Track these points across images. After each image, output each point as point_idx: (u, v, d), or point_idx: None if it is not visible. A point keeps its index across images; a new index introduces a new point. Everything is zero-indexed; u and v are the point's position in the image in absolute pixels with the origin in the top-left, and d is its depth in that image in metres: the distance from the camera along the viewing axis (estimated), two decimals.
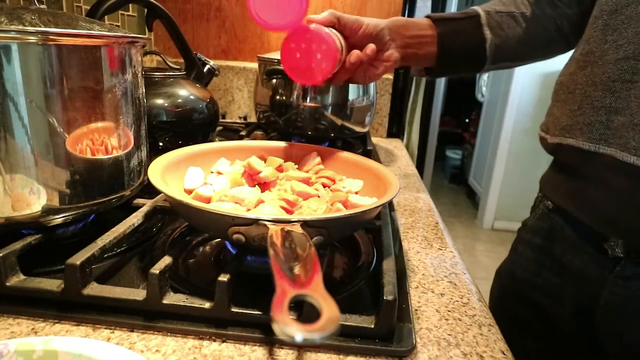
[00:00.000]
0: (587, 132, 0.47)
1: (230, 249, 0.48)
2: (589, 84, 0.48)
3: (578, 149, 0.48)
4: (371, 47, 0.56)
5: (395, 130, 1.30)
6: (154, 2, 0.70)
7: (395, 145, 1.19)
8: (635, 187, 0.43)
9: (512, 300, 0.64)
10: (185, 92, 0.73)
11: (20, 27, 0.37)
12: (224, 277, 0.36)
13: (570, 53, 0.57)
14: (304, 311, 0.35)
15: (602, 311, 0.50)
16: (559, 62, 0.60)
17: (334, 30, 0.56)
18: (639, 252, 0.46)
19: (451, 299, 0.44)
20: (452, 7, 2.29)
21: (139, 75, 0.50)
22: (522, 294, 0.61)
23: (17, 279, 0.38)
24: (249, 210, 0.44)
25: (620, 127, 0.43)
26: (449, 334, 0.38)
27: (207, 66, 0.83)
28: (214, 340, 0.35)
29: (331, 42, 0.51)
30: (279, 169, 0.55)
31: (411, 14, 1.24)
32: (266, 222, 0.35)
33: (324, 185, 0.52)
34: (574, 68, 0.52)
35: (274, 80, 0.89)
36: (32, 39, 0.38)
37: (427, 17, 0.64)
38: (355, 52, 0.55)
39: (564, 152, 0.52)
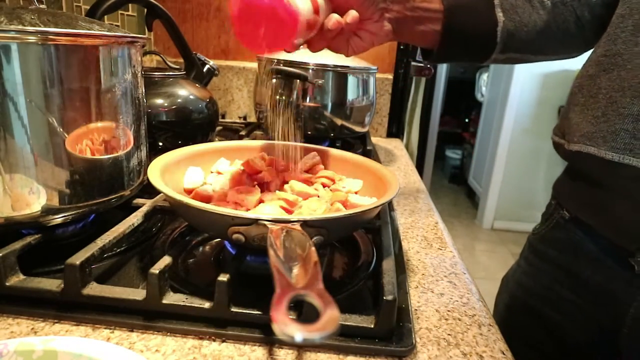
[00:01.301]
0: (611, 140, 0.43)
1: (230, 249, 0.48)
2: (615, 89, 0.44)
3: (600, 159, 0.44)
4: (352, 14, 0.48)
5: (395, 130, 1.30)
6: (154, 2, 0.70)
7: (395, 145, 1.19)
8: None
9: (521, 313, 0.60)
10: (185, 92, 0.73)
11: (20, 27, 0.37)
12: (223, 277, 0.36)
13: (586, 54, 0.54)
14: (304, 311, 0.35)
15: (629, 331, 0.47)
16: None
17: None
18: None
19: (451, 298, 0.44)
20: None
21: (139, 75, 0.50)
22: (531, 307, 0.58)
23: (16, 279, 0.38)
24: (248, 210, 0.44)
25: None
26: (449, 334, 0.38)
27: (207, 66, 0.83)
28: (214, 340, 0.35)
29: (287, 6, 0.41)
30: (279, 169, 0.55)
31: None
32: (266, 222, 0.35)
33: (324, 185, 0.52)
34: (595, 70, 0.48)
35: (274, 80, 0.89)
36: (32, 38, 0.37)
37: None
38: (335, 17, 0.47)
39: (584, 160, 0.48)
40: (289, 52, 0.45)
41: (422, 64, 1.33)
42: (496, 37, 0.54)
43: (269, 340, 0.35)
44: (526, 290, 0.59)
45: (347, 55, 0.55)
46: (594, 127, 0.46)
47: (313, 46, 0.51)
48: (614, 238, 0.47)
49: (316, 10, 0.46)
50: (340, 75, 0.88)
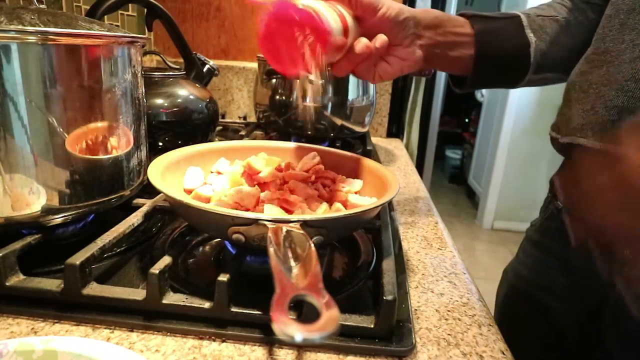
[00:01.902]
0: (598, 131, 0.46)
1: (230, 249, 0.48)
2: (603, 84, 0.47)
3: (590, 149, 0.47)
4: (382, 39, 0.47)
5: (395, 130, 1.30)
6: (154, 2, 0.70)
7: (395, 145, 1.19)
8: None
9: (519, 300, 0.63)
10: (185, 92, 0.73)
11: (20, 27, 0.37)
12: (223, 277, 0.36)
13: None
14: (304, 311, 0.35)
15: (611, 311, 0.49)
16: None
17: (338, 7, 0.44)
18: None
19: (451, 298, 0.44)
20: (452, 7, 2.29)
21: (139, 75, 0.50)
22: (528, 294, 0.61)
23: (16, 279, 0.38)
24: (248, 210, 0.44)
25: None
26: (449, 334, 0.38)
27: (207, 66, 0.83)
28: (214, 340, 0.35)
29: (319, 23, 0.39)
30: (279, 169, 0.55)
31: None
32: (266, 222, 0.35)
33: (324, 185, 0.52)
34: (587, 67, 0.50)
35: (274, 80, 0.89)
36: (32, 38, 0.37)
37: (461, 14, 0.55)
38: (364, 41, 0.46)
39: (575, 152, 0.51)
40: (313, 73, 0.43)
41: None
42: (529, 58, 0.54)
43: (269, 340, 0.35)
44: (523, 279, 0.62)
45: (372, 82, 0.53)
46: (584, 119, 0.48)
47: (338, 69, 0.50)
48: (600, 224, 0.48)
49: (345, 32, 0.44)
50: None
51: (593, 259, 0.50)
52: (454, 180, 4.11)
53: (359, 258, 0.49)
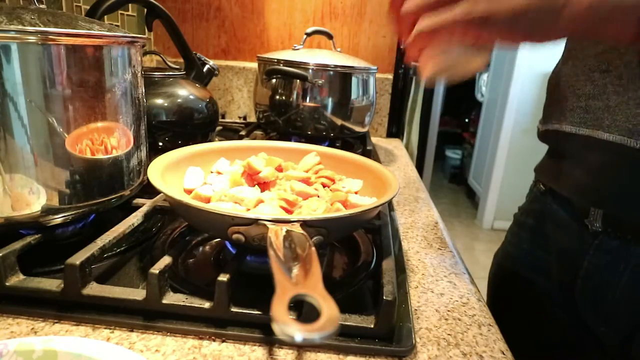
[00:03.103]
0: (569, 117, 0.52)
1: (230, 249, 0.48)
2: (571, 75, 0.53)
3: (562, 132, 0.53)
4: None
5: (395, 130, 1.30)
6: (154, 2, 0.70)
7: (395, 145, 1.19)
8: (606, 160, 0.48)
9: (507, 278, 0.67)
10: (185, 92, 0.73)
11: (20, 27, 0.37)
12: (223, 277, 0.36)
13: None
14: (304, 311, 0.35)
15: (582, 282, 0.53)
16: (555, 63, 0.60)
17: None
18: (614, 225, 0.49)
19: (451, 298, 0.44)
20: None
21: (139, 75, 0.50)
22: (516, 272, 0.65)
23: (16, 279, 0.38)
24: (248, 210, 0.44)
25: (597, 110, 0.49)
26: (449, 334, 0.38)
27: (207, 66, 0.83)
28: (214, 340, 0.35)
29: None
30: (279, 169, 0.55)
31: None
32: (266, 222, 0.35)
33: (324, 185, 0.52)
34: (560, 64, 0.56)
35: (274, 80, 0.89)
36: (32, 38, 0.37)
37: None
38: None
39: (551, 137, 0.58)
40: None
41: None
42: None
43: (269, 340, 0.35)
44: (510, 257, 0.67)
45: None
46: (557, 107, 0.55)
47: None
48: (572, 197, 0.54)
49: None
50: (340, 75, 0.88)
51: (570, 235, 0.55)
52: (454, 180, 4.11)
53: (359, 258, 0.49)
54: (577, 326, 0.56)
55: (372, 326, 0.35)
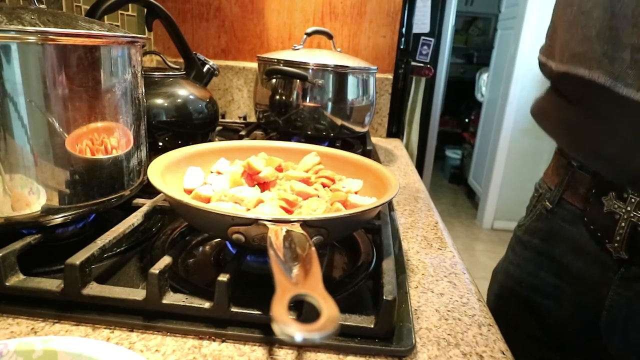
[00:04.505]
0: (606, 65, 0.40)
1: (230, 249, 0.48)
2: (606, 11, 0.39)
3: (589, 81, 0.41)
4: None
5: (395, 130, 1.30)
6: (154, 2, 0.70)
7: (395, 145, 1.19)
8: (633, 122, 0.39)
9: (510, 300, 0.63)
10: (185, 92, 0.73)
11: (20, 26, 0.37)
12: (223, 277, 0.36)
13: None
14: (304, 311, 0.35)
15: (608, 313, 0.49)
16: None
17: None
18: None
19: (451, 298, 0.44)
20: (452, 7, 2.29)
21: (139, 75, 0.50)
22: (519, 294, 0.61)
23: (16, 279, 0.38)
24: (248, 210, 0.44)
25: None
26: (449, 334, 0.38)
27: (207, 66, 0.83)
28: (214, 340, 0.35)
29: None
30: (279, 169, 0.55)
31: (411, 14, 1.24)
32: (266, 222, 0.35)
33: (324, 185, 0.52)
34: None
35: (274, 80, 0.89)
36: (32, 38, 0.37)
37: None
38: None
39: (569, 82, 0.45)
40: None
41: (422, 64, 1.34)
42: None
43: (269, 340, 0.35)
44: (513, 278, 0.62)
45: None
46: (586, 47, 0.42)
47: None
48: (585, 160, 0.46)
49: None
50: (340, 75, 0.88)
51: (586, 259, 0.50)
52: (454, 180, 4.11)
53: (359, 258, 0.49)
54: (594, 354, 0.52)
55: (372, 326, 0.35)
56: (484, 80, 3.63)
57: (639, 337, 0.47)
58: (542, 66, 0.50)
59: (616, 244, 0.46)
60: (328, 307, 0.25)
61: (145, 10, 0.71)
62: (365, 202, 0.47)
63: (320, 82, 0.86)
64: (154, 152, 0.55)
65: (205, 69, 0.82)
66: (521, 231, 0.62)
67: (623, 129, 0.41)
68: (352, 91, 0.90)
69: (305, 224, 0.36)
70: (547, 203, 0.56)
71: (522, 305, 0.60)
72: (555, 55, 0.46)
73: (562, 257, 0.54)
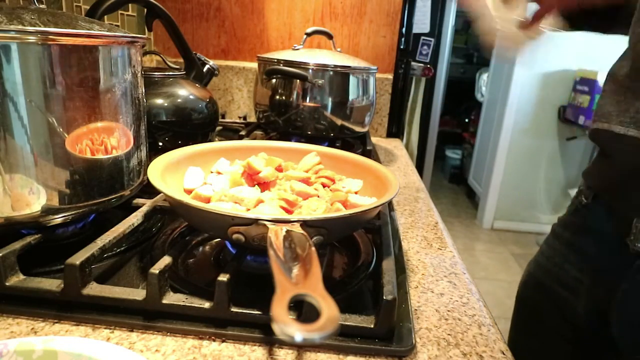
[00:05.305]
0: (620, 116, 0.49)
1: (230, 249, 0.48)
2: (627, 74, 0.49)
3: (610, 132, 0.50)
4: None
5: (395, 130, 1.30)
6: (154, 2, 0.70)
7: (395, 145, 1.19)
8: None
9: (535, 290, 0.66)
10: (185, 92, 0.73)
11: (20, 26, 0.37)
12: (223, 277, 0.36)
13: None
14: (304, 311, 0.35)
15: (619, 304, 0.51)
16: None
17: None
18: None
19: (451, 298, 0.44)
20: (452, 7, 2.29)
21: (139, 75, 0.50)
22: (543, 284, 0.63)
23: (16, 279, 0.38)
24: (248, 210, 0.44)
25: None
26: (449, 334, 0.38)
27: (207, 66, 0.83)
28: (214, 340, 0.35)
29: None
30: (279, 169, 0.55)
31: (411, 14, 1.24)
32: (266, 222, 0.35)
33: (324, 185, 0.52)
34: (618, 62, 0.53)
35: (274, 80, 0.89)
36: (32, 38, 0.37)
37: None
38: None
39: (601, 136, 0.53)
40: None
41: (422, 64, 1.34)
42: None
43: (269, 340, 0.35)
44: (542, 268, 0.65)
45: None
46: (613, 107, 0.51)
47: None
48: (617, 203, 0.51)
49: None
50: (340, 75, 0.88)
51: (607, 253, 0.52)
52: (454, 180, 4.10)
53: (359, 258, 0.49)
54: (602, 345, 0.54)
55: (372, 326, 0.35)
56: (484, 80, 3.63)
57: None
58: (588, 131, 0.58)
59: (632, 237, 0.49)
60: (328, 307, 0.25)
61: (145, 10, 0.71)
62: (365, 202, 0.47)
63: (320, 82, 0.86)
64: (154, 152, 0.55)
65: (205, 69, 0.82)
66: (558, 225, 0.65)
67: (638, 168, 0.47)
68: (352, 91, 0.90)
69: (305, 224, 0.36)
70: (583, 198, 0.59)
71: (544, 295, 0.63)
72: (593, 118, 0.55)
73: (587, 249, 0.56)
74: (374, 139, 1.23)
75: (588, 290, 0.55)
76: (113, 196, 0.48)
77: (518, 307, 0.69)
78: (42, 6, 0.46)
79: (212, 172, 0.55)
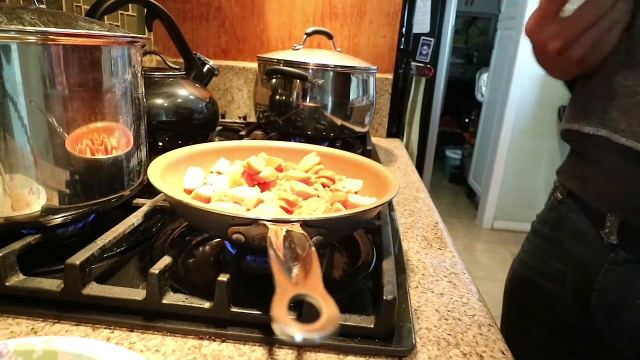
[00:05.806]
0: (588, 116, 0.51)
1: (230, 249, 0.48)
2: (595, 76, 0.51)
3: (581, 133, 0.52)
4: None
5: (395, 130, 1.30)
6: (154, 2, 0.70)
7: (395, 145, 1.19)
8: (622, 165, 0.48)
9: (522, 286, 0.67)
10: (185, 92, 0.73)
11: (20, 26, 0.37)
12: (223, 277, 0.36)
13: None
14: (304, 311, 0.35)
15: (597, 294, 0.52)
16: None
17: None
18: (630, 238, 0.49)
19: (451, 298, 0.44)
20: (452, 7, 2.30)
21: (139, 75, 0.50)
22: (530, 280, 0.64)
23: (16, 279, 0.38)
24: (248, 210, 0.44)
25: (614, 111, 0.48)
26: (449, 334, 0.38)
27: (207, 66, 0.83)
28: (214, 340, 0.35)
29: None
30: (279, 169, 0.55)
31: (411, 14, 1.24)
32: (266, 222, 0.35)
33: (324, 185, 0.52)
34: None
35: (274, 80, 0.89)
36: (32, 38, 0.37)
37: None
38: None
39: (569, 137, 0.56)
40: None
41: (422, 64, 1.34)
42: None
43: (269, 340, 0.35)
44: (526, 265, 0.66)
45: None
46: (578, 107, 0.54)
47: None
48: (593, 204, 0.53)
49: None
50: (340, 75, 0.88)
51: (585, 246, 0.54)
52: (454, 180, 4.11)
53: (359, 258, 0.49)
54: (592, 337, 0.55)
55: (372, 326, 0.35)
56: (484, 80, 3.63)
57: (625, 321, 0.50)
58: (560, 131, 0.59)
59: (607, 230, 0.50)
60: (328, 307, 0.25)
61: (145, 10, 0.71)
62: (365, 202, 0.47)
63: (320, 82, 0.86)
64: (154, 152, 0.55)
65: (205, 69, 0.82)
66: (536, 222, 0.67)
67: (609, 167, 0.49)
68: (352, 91, 0.90)
69: (305, 224, 0.36)
70: (558, 194, 0.61)
71: (532, 290, 0.64)
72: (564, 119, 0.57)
73: (566, 244, 0.58)
74: (374, 139, 1.23)
75: (573, 280, 0.56)
76: (113, 196, 0.48)
77: (507, 304, 0.70)
78: (42, 6, 0.46)
79: (212, 172, 0.55)
